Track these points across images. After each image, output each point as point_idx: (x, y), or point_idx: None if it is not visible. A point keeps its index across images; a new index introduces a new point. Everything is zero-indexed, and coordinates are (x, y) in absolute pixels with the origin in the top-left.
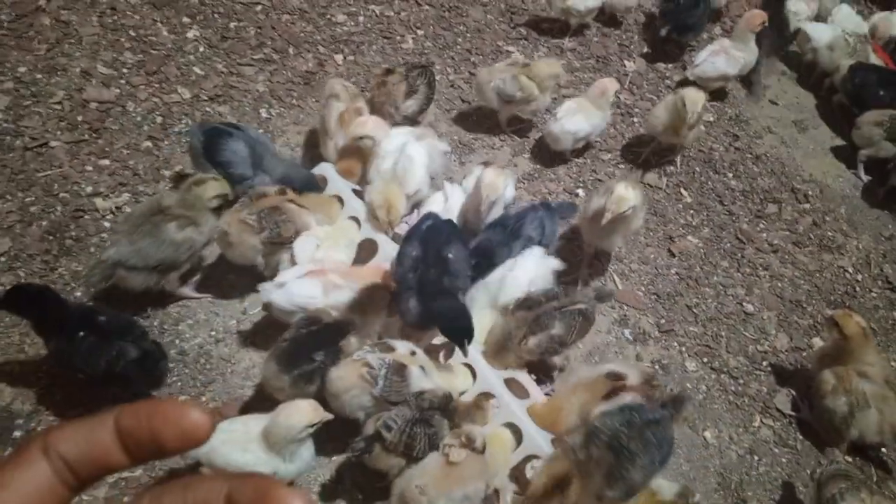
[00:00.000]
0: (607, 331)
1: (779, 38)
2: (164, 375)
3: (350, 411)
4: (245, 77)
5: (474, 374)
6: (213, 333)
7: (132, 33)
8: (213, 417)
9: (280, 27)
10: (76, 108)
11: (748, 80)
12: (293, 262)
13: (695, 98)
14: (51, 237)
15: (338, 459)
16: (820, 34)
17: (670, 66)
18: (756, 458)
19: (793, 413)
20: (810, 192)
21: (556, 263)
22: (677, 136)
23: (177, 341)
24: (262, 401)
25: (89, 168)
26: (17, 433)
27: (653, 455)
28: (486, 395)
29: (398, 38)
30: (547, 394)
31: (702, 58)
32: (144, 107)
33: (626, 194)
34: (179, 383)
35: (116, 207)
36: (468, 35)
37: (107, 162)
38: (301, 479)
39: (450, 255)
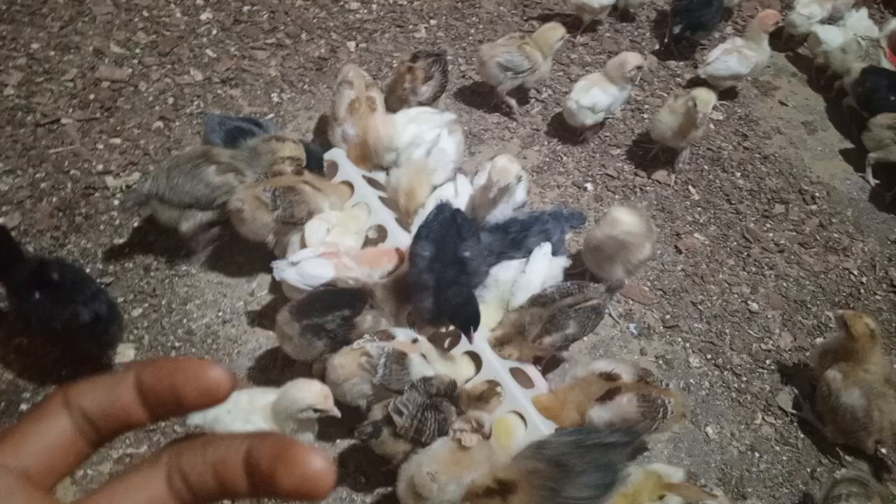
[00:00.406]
0: (612, 325)
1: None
2: (118, 339)
3: (351, 399)
4: (257, 61)
5: (478, 364)
6: (220, 314)
7: (145, 14)
8: (233, 378)
9: (293, 12)
10: (88, 86)
11: None
12: (302, 244)
13: (706, 99)
14: (61, 213)
15: (341, 444)
16: (832, 37)
17: (681, 63)
18: (757, 454)
19: (794, 412)
20: (818, 194)
21: (565, 261)
22: (685, 139)
23: (184, 321)
24: (267, 383)
25: (100, 146)
26: (23, 406)
27: (595, 478)
28: (493, 384)
29: (411, 27)
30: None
31: (714, 56)
32: (156, 87)
33: (624, 218)
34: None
35: (126, 186)
36: (480, 26)
37: (118, 141)
38: None
39: (466, 254)
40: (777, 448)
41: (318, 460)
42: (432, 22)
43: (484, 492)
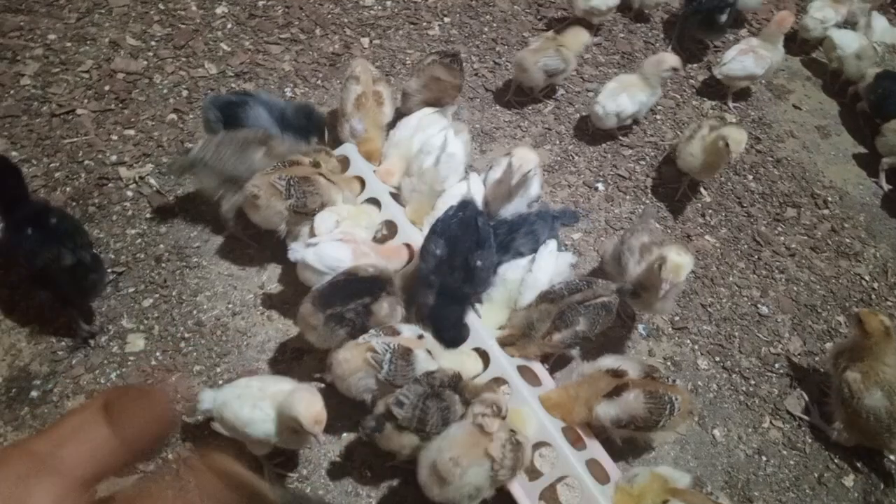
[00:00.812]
0: (621, 325)
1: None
2: (95, 289)
3: (356, 393)
4: (271, 55)
5: (486, 361)
6: (230, 306)
7: (161, 7)
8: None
9: (308, 8)
10: (104, 77)
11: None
12: (311, 235)
13: (738, 138)
14: (74, 203)
15: (347, 438)
16: (848, 42)
17: (695, 65)
18: (764, 458)
19: (802, 416)
20: (830, 198)
21: (571, 257)
22: (713, 173)
23: (194, 312)
24: (276, 374)
25: (114, 137)
26: (34, 393)
27: None
28: (499, 382)
29: (425, 24)
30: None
31: (730, 56)
32: (171, 80)
33: (682, 261)
34: (195, 353)
35: (140, 177)
36: (494, 25)
37: (132, 132)
38: (311, 457)
39: (479, 263)
40: (784, 452)
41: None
42: (446, 20)
43: None
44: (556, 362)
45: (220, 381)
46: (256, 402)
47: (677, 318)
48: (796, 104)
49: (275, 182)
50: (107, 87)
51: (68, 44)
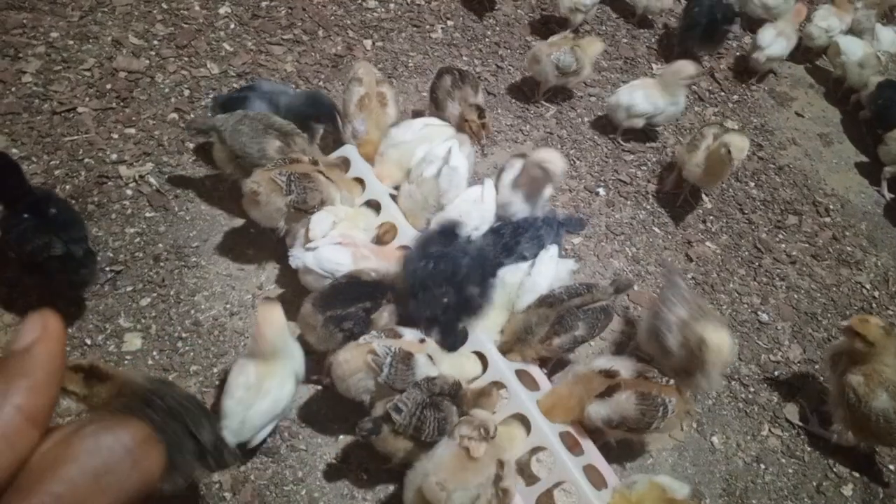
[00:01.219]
0: (621, 331)
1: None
2: (87, 283)
3: (355, 394)
4: (274, 56)
5: (485, 364)
6: (228, 306)
7: (165, 6)
8: None
9: (311, 9)
10: (105, 76)
11: None
12: (307, 237)
13: (740, 145)
14: (73, 201)
15: (344, 440)
16: (853, 49)
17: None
18: (763, 466)
19: (802, 424)
20: (832, 206)
21: (573, 264)
22: (719, 181)
23: (192, 312)
24: None
25: (115, 136)
26: None
27: None
28: (497, 385)
29: (427, 26)
30: None
31: (768, 41)
32: (173, 79)
33: (722, 340)
34: (192, 353)
35: (140, 176)
36: (497, 28)
37: (133, 131)
38: (307, 459)
39: (474, 292)
40: (783, 460)
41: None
42: (449, 23)
43: None
44: (555, 366)
45: (217, 382)
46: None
47: None
48: (799, 112)
49: (275, 177)
50: (108, 86)
51: (70, 42)
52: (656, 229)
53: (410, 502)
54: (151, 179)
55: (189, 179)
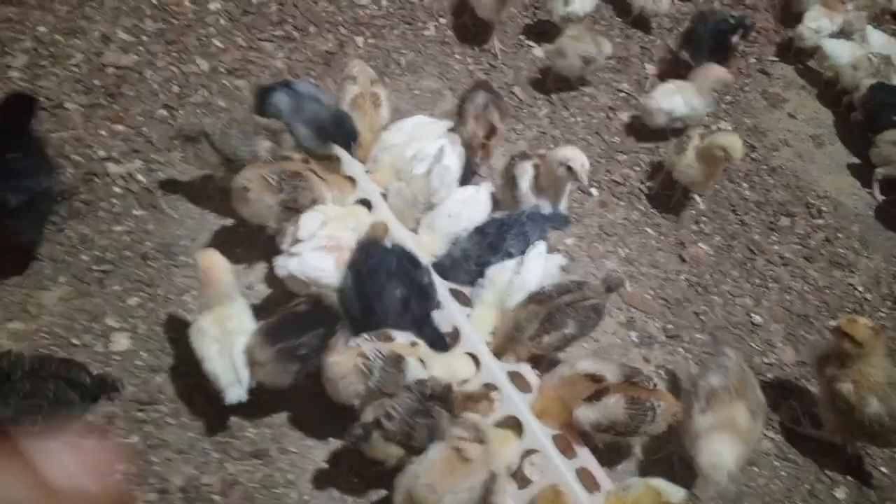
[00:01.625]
0: (613, 332)
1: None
2: (15, 235)
3: (346, 397)
4: (264, 52)
5: (477, 365)
6: None
7: (154, 1)
8: None
9: (302, 5)
10: (93, 71)
11: None
12: (295, 236)
13: (735, 145)
14: (61, 199)
15: (335, 443)
16: (839, 52)
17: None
18: (756, 469)
19: (794, 427)
20: (824, 208)
21: (561, 259)
22: (711, 182)
23: (180, 311)
24: None
25: (103, 132)
26: None
27: None
28: (490, 387)
29: (420, 24)
30: None
31: (822, 24)
32: (162, 75)
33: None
34: (181, 353)
35: (128, 173)
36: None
37: (121, 127)
38: (297, 462)
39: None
40: (776, 463)
41: None
42: (441, 20)
43: None
44: (548, 366)
45: (207, 383)
46: None
47: (670, 326)
48: (791, 113)
49: (266, 175)
50: (96, 82)
51: (58, 37)
52: (649, 230)
53: None
54: (140, 177)
55: (178, 177)
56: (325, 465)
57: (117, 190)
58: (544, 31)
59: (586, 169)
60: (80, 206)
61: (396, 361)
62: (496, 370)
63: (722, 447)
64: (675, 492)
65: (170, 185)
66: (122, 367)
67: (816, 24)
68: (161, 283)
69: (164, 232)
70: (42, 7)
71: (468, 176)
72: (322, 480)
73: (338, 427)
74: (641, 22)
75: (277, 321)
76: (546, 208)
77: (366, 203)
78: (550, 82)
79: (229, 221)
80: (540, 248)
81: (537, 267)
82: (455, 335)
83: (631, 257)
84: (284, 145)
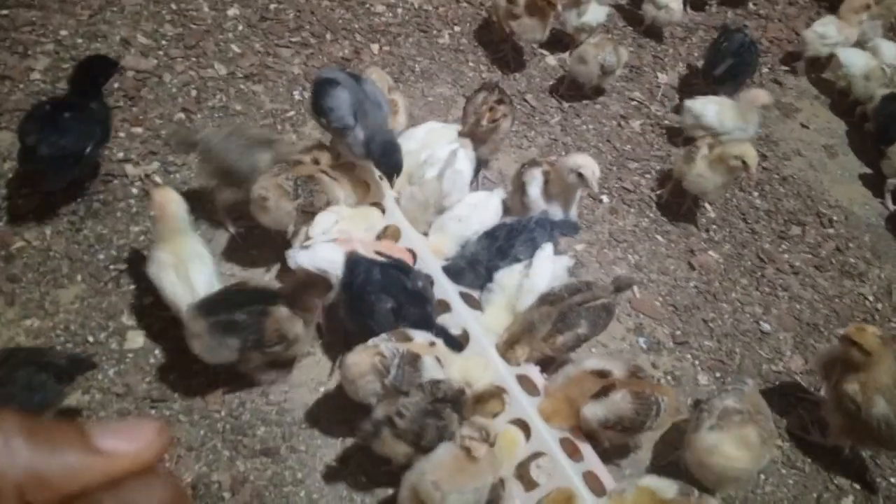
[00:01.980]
0: (622, 338)
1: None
2: (48, 181)
3: (363, 396)
4: (281, 58)
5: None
6: None
7: (174, 6)
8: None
9: (319, 12)
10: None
11: None
12: (308, 236)
13: (750, 153)
14: (79, 199)
15: (343, 442)
16: (853, 61)
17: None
18: (762, 477)
19: (803, 435)
20: (835, 218)
21: (568, 260)
22: (724, 192)
23: None
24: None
25: (122, 134)
26: None
27: None
28: (500, 388)
29: (435, 32)
30: None
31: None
32: (180, 79)
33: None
34: (195, 353)
35: (146, 175)
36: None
37: (139, 130)
38: (306, 461)
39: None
40: (783, 471)
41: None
42: (456, 28)
43: None
44: (557, 368)
45: (219, 382)
46: None
47: (678, 333)
48: (804, 122)
49: (282, 183)
50: (116, 85)
51: (79, 40)
52: (659, 237)
53: (405, 500)
54: (157, 178)
55: (194, 179)
56: (334, 464)
57: (134, 191)
58: (558, 40)
59: (597, 176)
60: (97, 205)
61: (413, 360)
62: (505, 373)
63: (731, 451)
64: (667, 487)
65: (185, 187)
66: (136, 364)
67: (822, 29)
68: None
69: None
70: (64, 11)
71: (477, 168)
72: (331, 479)
73: (346, 426)
74: (654, 31)
75: (216, 296)
76: (557, 214)
77: (379, 206)
78: (564, 89)
79: (244, 223)
80: (547, 250)
81: (545, 269)
82: (465, 338)
83: (640, 264)
84: (283, 150)
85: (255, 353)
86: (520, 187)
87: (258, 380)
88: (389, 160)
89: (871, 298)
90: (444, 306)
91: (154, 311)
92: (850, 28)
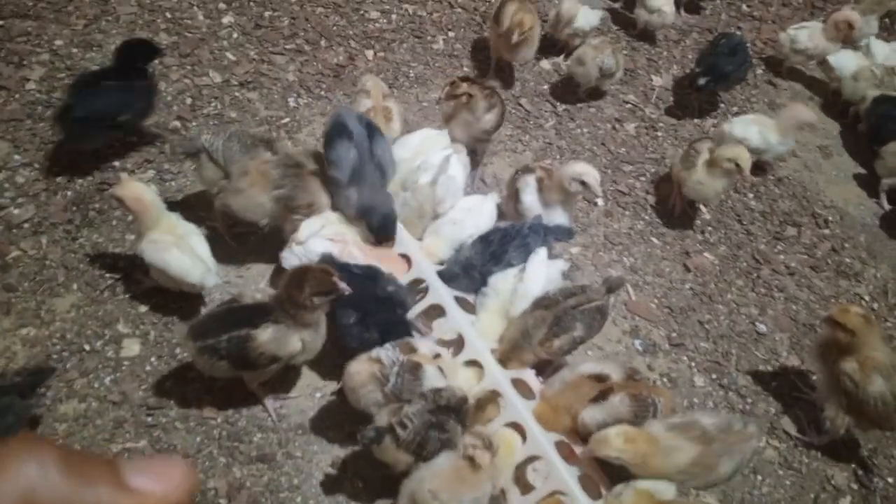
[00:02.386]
0: (618, 340)
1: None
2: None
3: (365, 405)
4: (276, 65)
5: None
6: None
7: (168, 15)
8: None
9: (313, 19)
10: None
11: None
12: (296, 239)
13: (744, 155)
14: (74, 208)
15: (340, 448)
16: (844, 63)
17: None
18: (759, 478)
19: (799, 436)
20: (831, 218)
21: (563, 264)
22: (722, 194)
23: (191, 318)
24: (273, 381)
25: (117, 143)
26: None
27: None
28: (496, 393)
29: (429, 38)
30: None
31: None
32: (175, 87)
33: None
34: (191, 360)
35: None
36: None
37: (134, 138)
38: (303, 467)
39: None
40: (780, 472)
41: None
42: (451, 34)
43: None
44: (553, 372)
45: (216, 389)
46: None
47: (674, 335)
48: None
49: (267, 169)
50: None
51: (75, 50)
52: (654, 240)
53: None
54: (153, 186)
55: (190, 187)
56: (331, 471)
57: None
58: (552, 44)
59: (599, 181)
60: (93, 214)
61: (413, 368)
62: (500, 377)
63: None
64: (665, 488)
65: (181, 195)
66: (132, 372)
67: (795, 33)
68: (172, 290)
69: None
70: (59, 21)
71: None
72: (327, 485)
73: (343, 432)
74: (647, 35)
75: (206, 318)
76: (553, 219)
77: None
78: (582, 93)
79: (240, 229)
80: (541, 254)
81: (539, 274)
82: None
83: (636, 266)
84: (282, 150)
85: (248, 373)
86: (514, 194)
87: (263, 403)
88: (384, 232)
89: (867, 298)
90: (440, 311)
91: (150, 319)
92: (831, 45)
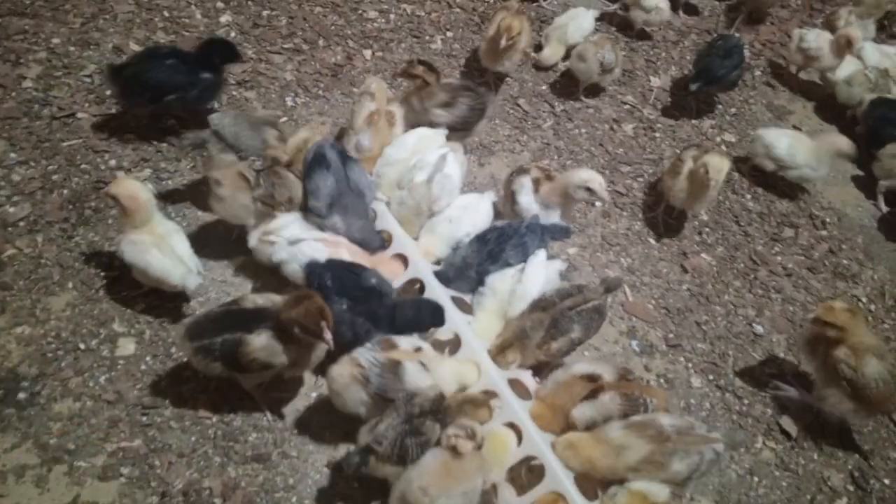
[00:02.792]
0: (615, 341)
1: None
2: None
3: (352, 407)
4: (274, 65)
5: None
6: None
7: (166, 14)
8: None
9: (311, 18)
10: (106, 82)
11: None
12: (267, 231)
13: (719, 165)
14: (70, 206)
15: (335, 448)
16: (838, 69)
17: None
18: (756, 479)
19: (794, 437)
20: (828, 220)
21: (561, 264)
22: (704, 203)
23: (187, 317)
24: (278, 381)
25: (114, 141)
26: (21, 395)
27: None
28: (490, 394)
29: (427, 37)
30: None
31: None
32: None
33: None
34: (186, 359)
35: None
36: None
37: (131, 137)
38: (298, 467)
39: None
40: (777, 473)
41: None
42: (448, 34)
43: None
44: (550, 372)
45: (211, 388)
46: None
47: (671, 336)
48: (796, 125)
49: (244, 171)
50: (108, 92)
51: (72, 48)
52: (651, 240)
53: None
54: (149, 185)
55: (186, 186)
56: (326, 470)
57: None
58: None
59: (604, 187)
60: (89, 213)
61: (393, 367)
62: (496, 377)
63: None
64: (659, 490)
65: (178, 194)
66: (127, 371)
67: (809, 37)
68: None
69: None
70: (56, 19)
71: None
72: (322, 485)
73: (338, 432)
74: (646, 34)
75: (204, 317)
76: (553, 220)
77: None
78: (580, 92)
79: (235, 228)
80: (540, 256)
81: (538, 276)
82: (456, 342)
83: (633, 267)
84: (283, 132)
85: (241, 376)
86: (510, 195)
87: (260, 404)
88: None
89: (864, 300)
90: None
91: (145, 319)
92: (837, 60)
